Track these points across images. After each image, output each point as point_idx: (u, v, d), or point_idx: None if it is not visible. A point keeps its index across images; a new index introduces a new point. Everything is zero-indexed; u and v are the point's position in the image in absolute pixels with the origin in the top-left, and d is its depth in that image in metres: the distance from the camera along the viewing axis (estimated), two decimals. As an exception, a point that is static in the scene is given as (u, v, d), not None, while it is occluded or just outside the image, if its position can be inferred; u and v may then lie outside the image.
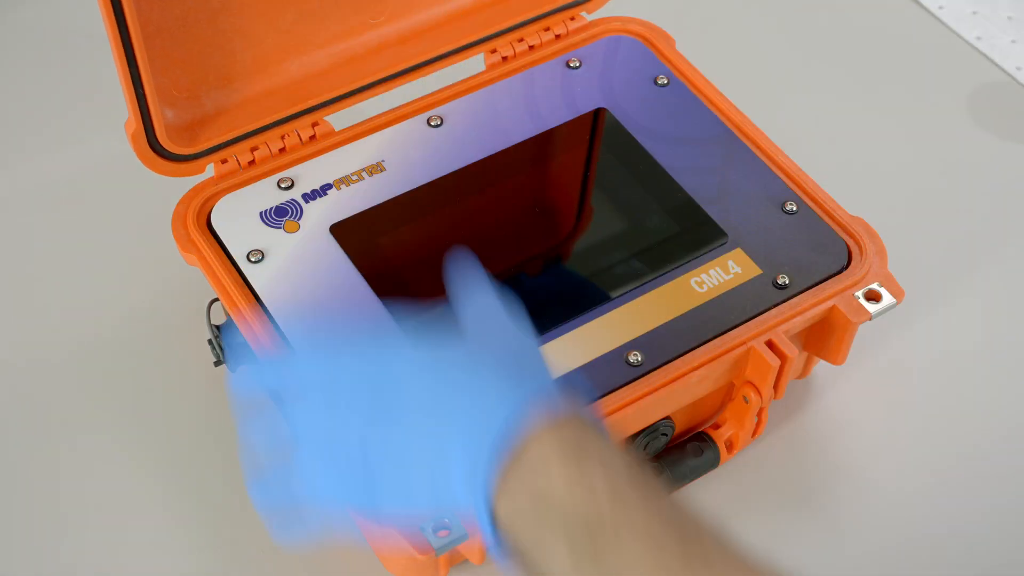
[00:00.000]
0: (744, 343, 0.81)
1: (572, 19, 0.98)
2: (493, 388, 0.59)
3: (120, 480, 0.89)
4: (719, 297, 0.83)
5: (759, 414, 0.86)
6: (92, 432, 0.92)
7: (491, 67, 0.96)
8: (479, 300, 0.65)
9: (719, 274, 0.85)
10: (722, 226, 0.87)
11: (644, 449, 0.84)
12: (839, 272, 0.85)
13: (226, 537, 0.86)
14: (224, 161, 0.89)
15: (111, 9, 0.78)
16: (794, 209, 0.88)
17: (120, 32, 0.79)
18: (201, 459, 0.90)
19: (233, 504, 0.87)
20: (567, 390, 0.60)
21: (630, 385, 0.79)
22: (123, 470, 0.89)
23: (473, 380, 0.60)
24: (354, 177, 0.89)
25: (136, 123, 0.84)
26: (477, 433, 0.57)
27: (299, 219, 0.87)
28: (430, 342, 0.62)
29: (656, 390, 0.79)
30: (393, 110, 0.93)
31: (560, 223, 0.89)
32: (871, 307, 0.83)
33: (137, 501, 0.88)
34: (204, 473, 0.89)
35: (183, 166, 0.88)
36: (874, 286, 0.84)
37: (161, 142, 0.86)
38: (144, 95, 0.82)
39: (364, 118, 0.93)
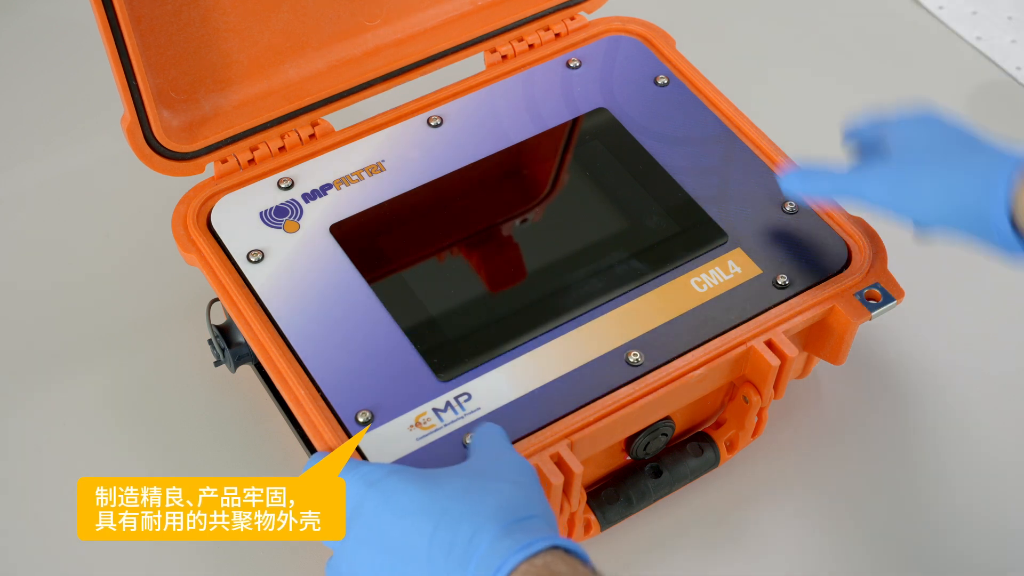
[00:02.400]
0: (744, 343, 0.81)
1: (572, 19, 0.98)
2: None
3: (120, 480, 0.89)
4: (719, 297, 0.83)
5: (759, 414, 0.86)
6: (92, 431, 0.92)
7: (491, 67, 0.96)
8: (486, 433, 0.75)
9: (719, 274, 0.85)
10: (722, 226, 0.87)
11: (644, 449, 0.84)
12: (839, 272, 0.85)
13: (226, 537, 0.86)
14: (224, 160, 0.89)
15: (101, 5, 0.79)
16: (794, 209, 0.88)
17: (111, 24, 0.80)
18: (201, 459, 0.90)
19: (233, 504, 0.87)
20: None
21: (630, 385, 0.79)
22: (123, 470, 0.89)
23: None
24: (354, 177, 0.89)
25: (131, 117, 0.84)
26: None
27: (299, 219, 0.87)
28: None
29: (656, 390, 0.79)
30: (393, 110, 0.93)
31: (560, 223, 0.89)
32: (871, 307, 0.83)
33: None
34: (204, 473, 0.89)
35: (182, 164, 0.88)
36: (874, 286, 0.84)
37: (159, 139, 0.86)
38: (137, 87, 0.83)
39: (364, 118, 0.93)
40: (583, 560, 0.65)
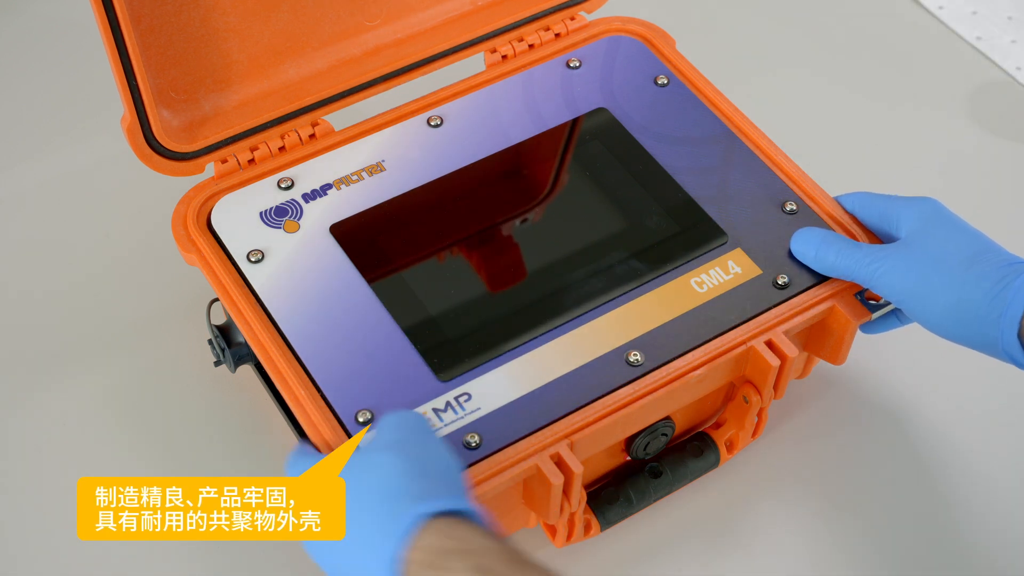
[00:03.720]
0: (744, 343, 0.81)
1: (572, 19, 0.98)
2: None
3: (120, 480, 0.89)
4: (719, 297, 0.83)
5: (759, 414, 0.86)
6: (91, 431, 0.92)
7: (491, 67, 0.96)
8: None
9: (719, 274, 0.85)
10: (722, 226, 0.87)
11: (644, 449, 0.84)
12: (839, 272, 0.85)
13: (226, 537, 0.86)
14: (224, 160, 0.89)
15: (101, 5, 0.79)
16: (794, 209, 0.88)
17: (111, 24, 0.80)
18: (201, 459, 0.90)
19: (233, 504, 0.87)
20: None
21: (630, 385, 0.79)
22: (123, 470, 0.89)
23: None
24: (354, 177, 0.89)
25: (131, 117, 0.84)
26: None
27: (299, 219, 0.87)
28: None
29: (656, 390, 0.79)
30: (393, 110, 0.93)
31: (560, 223, 0.89)
32: (871, 307, 0.83)
33: (137, 501, 0.88)
34: (204, 473, 0.89)
35: (182, 164, 0.88)
36: (874, 286, 0.84)
37: (159, 139, 0.86)
38: (137, 87, 0.83)
39: (364, 118, 0.93)
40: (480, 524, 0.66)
